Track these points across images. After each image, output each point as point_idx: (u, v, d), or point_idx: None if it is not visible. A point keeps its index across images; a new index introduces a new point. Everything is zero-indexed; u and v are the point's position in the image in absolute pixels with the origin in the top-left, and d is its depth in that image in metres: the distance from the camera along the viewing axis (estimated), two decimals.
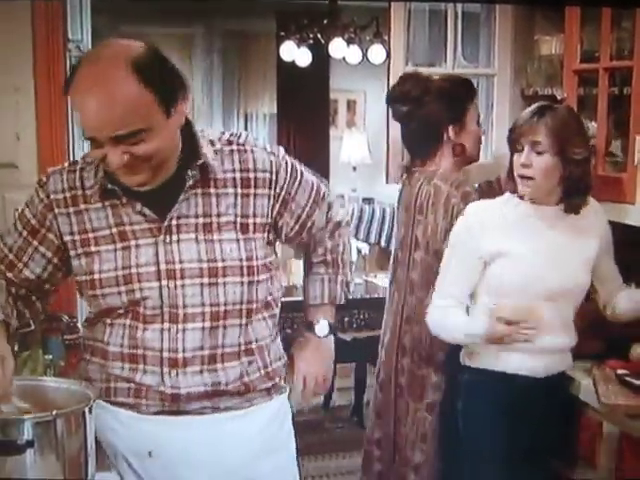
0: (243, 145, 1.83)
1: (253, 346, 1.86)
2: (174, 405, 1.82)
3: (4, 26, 2.95)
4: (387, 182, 3.33)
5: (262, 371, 1.89)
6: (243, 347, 1.84)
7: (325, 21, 6.73)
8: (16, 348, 2.49)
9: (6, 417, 1.55)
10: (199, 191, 1.77)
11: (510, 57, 3.21)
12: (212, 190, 1.78)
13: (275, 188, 1.84)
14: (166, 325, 1.78)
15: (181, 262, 1.76)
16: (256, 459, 1.88)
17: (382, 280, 4.96)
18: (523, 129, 2.33)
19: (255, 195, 1.81)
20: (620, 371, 2.47)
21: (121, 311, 1.81)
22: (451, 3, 3.19)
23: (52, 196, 1.80)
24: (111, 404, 1.83)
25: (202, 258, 1.77)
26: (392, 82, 3.09)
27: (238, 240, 1.79)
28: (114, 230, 1.77)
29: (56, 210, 1.80)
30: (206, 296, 1.77)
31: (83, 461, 1.58)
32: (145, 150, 1.63)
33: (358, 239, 6.75)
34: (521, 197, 2.38)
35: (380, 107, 4.38)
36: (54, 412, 1.53)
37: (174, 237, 1.76)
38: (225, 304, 1.79)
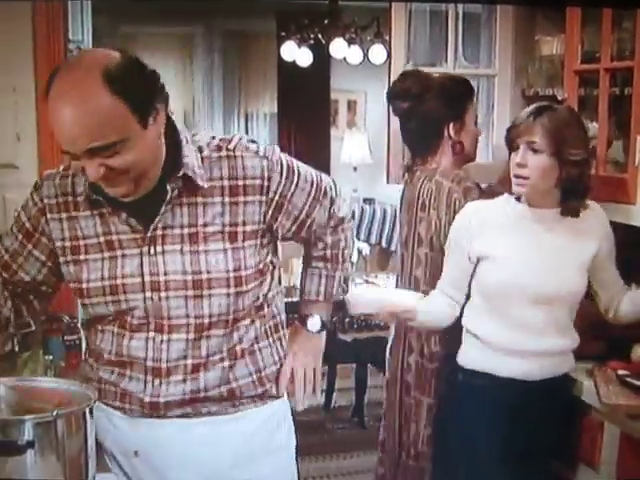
0: (233, 151, 1.77)
1: (237, 349, 1.83)
2: (154, 412, 1.82)
3: (5, 26, 2.95)
4: (388, 182, 3.33)
5: (254, 376, 1.87)
6: (226, 352, 1.82)
7: (326, 21, 6.74)
8: (16, 349, 2.51)
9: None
10: (184, 200, 1.74)
11: (511, 57, 3.21)
12: (199, 199, 1.74)
13: (268, 194, 1.79)
14: (151, 334, 1.78)
15: (166, 274, 1.74)
16: (242, 464, 1.86)
17: (382, 280, 4.97)
18: (520, 129, 2.31)
19: (245, 203, 1.76)
20: (621, 372, 2.47)
21: (110, 318, 1.81)
22: (452, 3, 3.19)
23: (45, 200, 1.80)
24: (103, 404, 1.84)
25: (187, 270, 1.74)
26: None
27: (225, 250, 1.75)
28: (102, 239, 1.76)
29: (48, 215, 1.80)
30: (190, 308, 1.75)
31: (83, 462, 1.57)
32: (122, 162, 1.60)
33: (359, 239, 6.76)
34: (518, 199, 2.38)
35: (381, 107, 4.38)
36: (54, 413, 1.52)
37: (158, 248, 1.74)
38: (210, 316, 1.77)
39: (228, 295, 1.76)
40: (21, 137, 2.90)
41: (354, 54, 6.87)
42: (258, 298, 1.84)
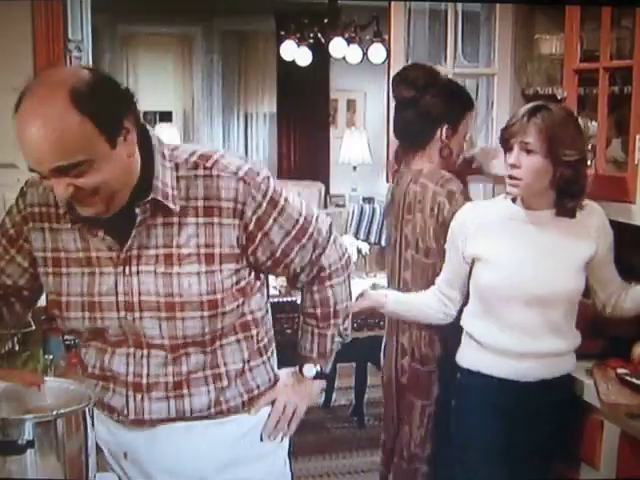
0: (210, 169, 1.70)
1: (222, 370, 1.81)
2: (139, 424, 1.82)
3: (4, 26, 2.95)
4: (387, 181, 3.33)
5: (245, 396, 1.85)
6: (210, 373, 1.80)
7: (325, 20, 6.73)
8: (16, 348, 2.51)
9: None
10: (159, 221, 1.69)
11: (510, 56, 3.21)
12: (174, 219, 1.69)
13: (242, 218, 1.71)
14: (131, 350, 1.77)
15: (139, 294, 1.71)
16: (232, 467, 1.85)
17: (382, 280, 4.96)
18: (513, 129, 2.29)
19: (220, 224, 1.70)
20: (621, 370, 2.46)
21: (87, 334, 1.79)
22: (451, 2, 3.18)
23: (29, 209, 1.78)
24: None
25: (159, 292, 1.70)
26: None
27: (199, 273, 1.70)
28: (81, 254, 1.74)
29: (31, 224, 1.78)
30: (164, 329, 1.73)
31: (83, 461, 1.58)
32: (90, 182, 1.56)
33: (358, 239, 6.75)
34: (514, 200, 2.37)
35: (380, 107, 4.38)
36: (54, 412, 1.53)
37: (133, 268, 1.71)
38: (184, 337, 1.74)
39: (202, 317, 1.72)
40: None
41: (353, 53, 6.86)
42: (243, 315, 1.80)
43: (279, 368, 1.97)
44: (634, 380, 2.39)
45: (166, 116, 8.78)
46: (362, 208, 7.73)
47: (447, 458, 2.62)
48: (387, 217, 2.84)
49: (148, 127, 1.71)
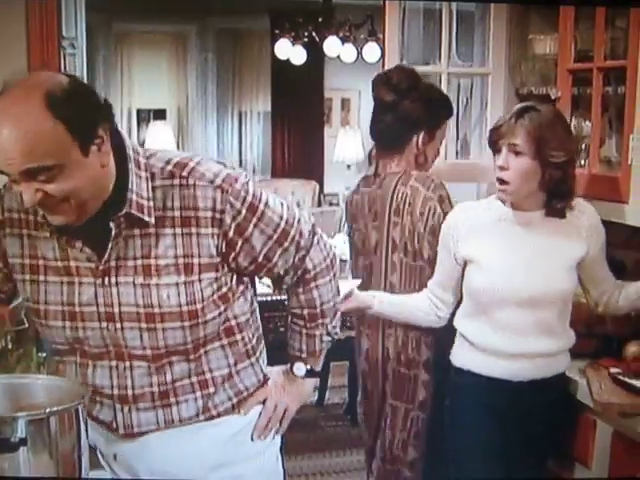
0: (186, 178, 1.67)
1: (207, 377, 1.80)
2: (129, 437, 1.81)
3: None
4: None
5: (234, 399, 1.85)
6: (196, 380, 1.79)
7: (320, 19, 6.73)
8: (9, 346, 2.50)
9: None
10: (137, 232, 1.67)
11: (504, 56, 3.21)
12: (151, 230, 1.67)
13: (221, 227, 1.69)
14: (113, 363, 1.76)
15: (120, 305, 1.70)
16: (222, 467, 1.85)
17: None
18: (501, 131, 2.29)
19: (198, 235, 1.68)
20: (613, 370, 2.47)
21: (68, 347, 1.78)
22: (445, 2, 3.19)
23: (7, 214, 1.75)
24: None
25: (139, 303, 1.69)
26: None
27: (177, 284, 1.69)
28: (60, 264, 1.72)
29: (8, 230, 1.75)
30: (145, 340, 1.72)
31: (77, 458, 1.58)
32: (59, 189, 1.54)
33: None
34: (503, 200, 2.37)
35: None
36: (47, 410, 1.52)
37: (112, 279, 1.69)
38: (166, 347, 1.73)
39: (183, 328, 1.71)
40: None
41: (348, 52, 6.86)
42: (227, 321, 1.79)
43: (273, 366, 1.97)
44: (627, 379, 2.40)
45: (160, 114, 8.77)
46: None
47: (433, 462, 2.63)
48: (357, 220, 2.74)
49: (124, 136, 1.69)
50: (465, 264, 2.41)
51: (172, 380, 1.77)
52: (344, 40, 6.81)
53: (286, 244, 1.79)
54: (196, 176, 1.68)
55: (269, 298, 2.85)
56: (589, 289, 2.49)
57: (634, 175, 2.52)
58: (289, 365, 1.97)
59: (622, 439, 2.33)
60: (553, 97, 2.91)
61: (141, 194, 1.66)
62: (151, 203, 1.66)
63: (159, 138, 8.42)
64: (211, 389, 1.81)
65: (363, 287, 2.58)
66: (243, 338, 1.84)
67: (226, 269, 1.74)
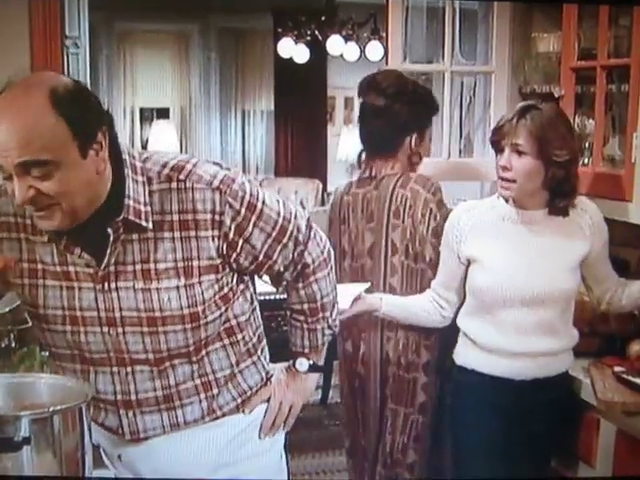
0: (183, 181, 1.66)
1: (211, 378, 1.80)
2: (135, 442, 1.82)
3: (1, 22, 2.95)
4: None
5: (239, 399, 1.85)
6: (199, 382, 1.79)
7: (323, 18, 6.74)
8: (13, 345, 2.50)
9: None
10: (135, 237, 1.66)
11: (508, 54, 3.20)
12: (150, 234, 1.66)
13: (221, 228, 1.68)
14: (115, 369, 1.75)
15: (120, 310, 1.69)
16: (226, 466, 1.85)
17: None
18: (504, 131, 2.29)
19: (198, 238, 1.67)
20: (617, 368, 2.46)
21: (68, 353, 1.77)
22: (449, 0, 3.18)
23: (3, 218, 1.73)
24: None
25: (140, 307, 1.69)
26: None
27: (178, 287, 1.68)
28: (59, 268, 1.70)
29: (5, 234, 1.73)
30: (148, 344, 1.72)
31: (80, 458, 1.57)
32: (52, 188, 1.53)
33: None
34: (506, 200, 2.37)
35: None
36: (51, 409, 1.52)
37: (112, 285, 1.68)
38: (168, 350, 1.73)
39: (184, 330, 1.71)
40: None
41: (351, 51, 6.87)
42: (227, 321, 1.79)
43: (276, 364, 1.97)
44: (630, 378, 2.40)
45: (163, 113, 8.78)
46: None
47: (433, 465, 2.63)
48: (348, 222, 2.70)
49: (120, 142, 1.67)
50: (468, 263, 2.41)
51: (175, 383, 1.77)
52: (347, 39, 6.81)
53: (285, 240, 1.79)
54: (193, 179, 1.66)
55: (271, 297, 2.84)
56: (592, 287, 2.48)
57: (637, 173, 2.52)
58: (292, 361, 1.97)
59: (626, 438, 2.33)
60: (556, 95, 2.90)
61: (138, 199, 1.65)
62: (148, 208, 1.66)
63: (162, 137, 8.44)
64: (215, 390, 1.81)
65: None
66: (244, 337, 1.84)
67: (227, 270, 1.74)
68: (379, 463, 2.70)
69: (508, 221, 2.37)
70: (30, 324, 1.88)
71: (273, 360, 1.98)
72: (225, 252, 1.71)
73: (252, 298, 1.87)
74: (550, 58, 3.09)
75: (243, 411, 1.87)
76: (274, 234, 1.76)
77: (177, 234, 1.67)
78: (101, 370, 1.76)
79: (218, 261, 1.71)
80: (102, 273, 1.68)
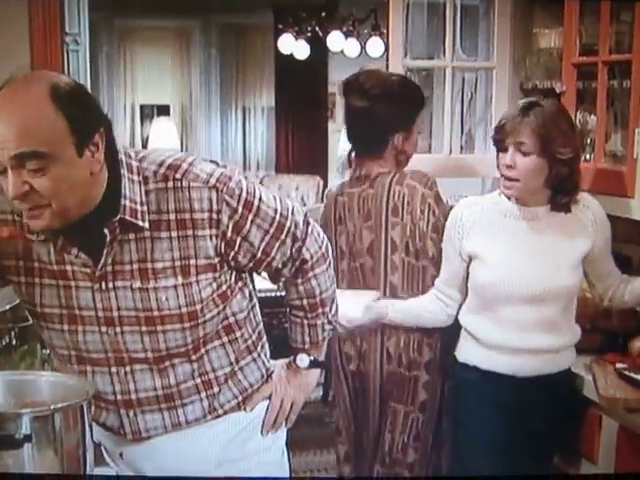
0: (180, 180, 1.65)
1: (211, 377, 1.80)
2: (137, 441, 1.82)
3: (1, 19, 2.94)
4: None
5: (240, 397, 1.85)
6: (199, 381, 1.79)
7: (323, 14, 6.74)
8: (14, 342, 2.50)
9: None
10: (132, 236, 1.66)
11: (509, 50, 3.20)
12: (147, 234, 1.66)
13: (219, 227, 1.67)
14: (114, 369, 1.75)
15: (118, 309, 1.69)
16: (227, 463, 1.85)
17: None
18: (507, 129, 2.28)
19: (195, 237, 1.66)
20: (619, 365, 2.46)
21: (66, 353, 1.77)
22: None
23: (0, 216, 1.72)
24: None
25: (137, 307, 1.68)
26: None
27: (176, 287, 1.68)
28: (56, 267, 1.70)
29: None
30: (146, 343, 1.71)
31: (81, 455, 1.57)
32: (45, 185, 1.52)
33: None
34: (508, 196, 2.37)
35: None
36: (52, 406, 1.52)
37: (109, 284, 1.68)
38: (167, 349, 1.73)
39: (183, 329, 1.71)
40: None
41: (351, 47, 6.87)
42: (225, 319, 1.79)
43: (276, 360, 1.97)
44: (632, 374, 2.39)
45: (164, 110, 8.78)
46: None
47: (434, 462, 2.62)
48: (344, 222, 2.67)
49: (116, 142, 1.67)
50: (470, 260, 2.41)
51: (176, 382, 1.77)
52: (347, 35, 6.81)
53: (282, 237, 1.78)
54: (190, 178, 1.66)
55: (271, 294, 2.83)
56: (595, 284, 2.48)
57: None
58: (292, 357, 1.97)
59: (628, 434, 2.33)
60: (558, 91, 2.90)
61: (134, 199, 1.64)
62: (145, 207, 1.65)
63: (163, 134, 8.44)
64: (215, 389, 1.81)
65: (352, 288, 2.56)
66: (243, 335, 1.83)
67: (225, 268, 1.73)
68: (377, 462, 2.69)
69: (510, 217, 2.37)
70: (31, 322, 1.88)
71: (275, 357, 1.97)
72: (223, 250, 1.70)
73: (251, 295, 1.87)
74: (551, 54, 3.08)
75: (244, 409, 1.87)
76: (272, 231, 1.76)
77: (174, 233, 1.66)
78: (100, 370, 1.76)
79: (216, 260, 1.70)
80: (99, 273, 1.67)
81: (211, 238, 1.68)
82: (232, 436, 1.86)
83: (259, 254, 1.76)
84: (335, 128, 8.48)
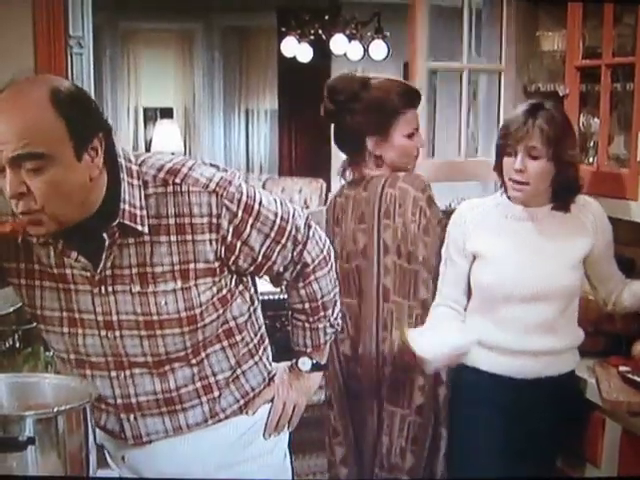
0: (179, 185, 1.64)
1: (211, 381, 1.79)
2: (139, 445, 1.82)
3: (4, 22, 2.95)
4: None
5: (242, 401, 1.85)
6: (200, 385, 1.79)
7: (326, 17, 6.74)
8: (17, 345, 2.51)
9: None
10: (131, 240, 1.65)
11: (513, 53, 3.20)
12: (146, 238, 1.65)
13: (219, 231, 1.66)
14: (113, 373, 1.75)
15: (118, 313, 1.69)
16: (229, 467, 1.84)
17: None
18: (518, 135, 2.28)
19: (194, 241, 1.66)
20: (622, 368, 2.46)
21: (65, 356, 1.77)
22: None
23: (2, 218, 1.71)
24: None
25: (137, 311, 1.68)
26: (415, 80, 3.06)
27: (175, 291, 1.67)
28: (55, 270, 1.70)
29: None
30: (146, 347, 1.71)
31: (84, 457, 1.57)
32: (42, 188, 1.52)
33: None
34: (519, 201, 2.37)
35: None
36: (55, 409, 1.53)
37: (109, 288, 1.68)
38: (167, 353, 1.72)
39: (182, 334, 1.71)
40: None
41: (354, 50, 6.86)
42: (225, 323, 1.78)
43: (279, 363, 1.96)
44: (636, 378, 2.39)
45: (167, 112, 8.79)
46: None
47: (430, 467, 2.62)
48: (341, 224, 2.67)
49: (116, 146, 1.66)
50: (474, 259, 2.40)
51: (176, 387, 1.77)
52: (351, 38, 6.81)
53: (283, 241, 1.77)
54: (189, 182, 1.65)
55: (274, 297, 2.83)
56: (597, 287, 2.48)
57: None
58: (294, 361, 1.96)
59: (631, 438, 2.32)
60: (561, 94, 2.90)
61: (134, 203, 1.64)
62: (144, 212, 1.65)
63: (166, 137, 8.44)
64: (216, 393, 1.81)
65: (345, 292, 2.53)
66: (243, 338, 1.83)
67: (225, 272, 1.73)
68: (376, 466, 2.68)
69: (511, 218, 2.38)
70: (34, 324, 1.88)
71: (277, 359, 1.97)
72: (223, 255, 1.70)
73: (252, 299, 1.86)
74: (555, 57, 3.08)
75: (246, 412, 1.86)
76: (272, 235, 1.75)
77: (173, 238, 1.66)
78: (100, 374, 1.76)
79: (215, 264, 1.70)
80: (99, 277, 1.67)
81: (211, 242, 1.67)
82: (234, 440, 1.86)
83: (260, 258, 1.75)
84: None
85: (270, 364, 1.92)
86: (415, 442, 2.60)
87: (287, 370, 1.96)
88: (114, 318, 1.70)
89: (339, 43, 6.78)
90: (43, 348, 2.50)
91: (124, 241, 1.66)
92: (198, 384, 1.78)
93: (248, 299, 1.83)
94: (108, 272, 1.67)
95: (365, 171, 2.62)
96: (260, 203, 1.73)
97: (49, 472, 1.52)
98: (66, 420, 1.52)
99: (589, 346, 2.51)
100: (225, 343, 1.80)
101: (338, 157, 2.78)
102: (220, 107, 8.87)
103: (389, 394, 2.60)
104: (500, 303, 2.34)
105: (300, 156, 8.70)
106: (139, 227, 1.64)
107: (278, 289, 1.96)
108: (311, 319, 1.92)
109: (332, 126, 2.71)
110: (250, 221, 1.70)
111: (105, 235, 1.63)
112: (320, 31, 6.82)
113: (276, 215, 1.75)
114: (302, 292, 1.88)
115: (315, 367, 1.96)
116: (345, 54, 6.91)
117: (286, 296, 1.95)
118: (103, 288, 1.68)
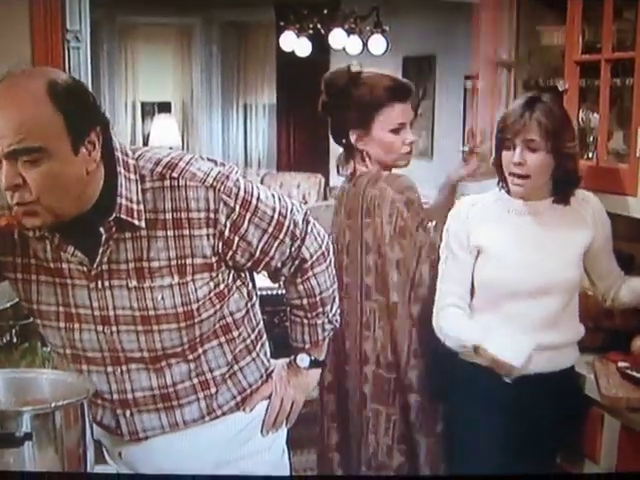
0: (177, 179, 1.64)
1: (208, 377, 1.79)
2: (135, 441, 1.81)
3: (1, 16, 2.94)
4: None
5: (239, 397, 1.84)
6: (197, 381, 1.78)
7: (325, 11, 6.72)
8: (14, 340, 2.50)
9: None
10: (127, 235, 1.65)
11: (513, 48, 3.20)
12: (142, 232, 1.65)
13: (216, 226, 1.66)
14: (110, 368, 1.74)
15: (114, 308, 1.68)
16: (226, 464, 1.84)
17: None
18: (516, 128, 2.28)
19: (191, 236, 1.65)
20: (621, 364, 2.46)
21: (62, 351, 1.77)
22: None
23: None
24: None
25: (133, 306, 1.68)
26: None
27: (172, 286, 1.67)
28: (52, 265, 1.69)
29: None
30: (142, 342, 1.71)
31: (82, 453, 1.57)
32: (38, 180, 1.51)
33: None
34: (519, 195, 2.37)
35: None
36: (52, 404, 1.52)
37: (106, 283, 1.67)
38: (163, 349, 1.72)
39: (179, 328, 1.70)
40: None
41: (353, 44, 6.85)
42: (222, 318, 1.77)
43: (277, 359, 1.96)
44: (635, 374, 2.39)
45: (165, 107, 8.77)
46: None
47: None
48: (338, 221, 2.69)
49: (114, 140, 1.66)
50: (478, 254, 2.40)
51: (172, 382, 1.76)
52: (349, 32, 6.80)
53: (281, 236, 1.77)
54: (187, 177, 1.65)
55: (272, 292, 2.82)
56: (596, 282, 2.48)
57: None
58: (292, 357, 1.96)
59: (630, 434, 2.33)
60: (561, 89, 2.89)
61: (131, 198, 1.63)
62: (141, 206, 1.64)
63: (164, 131, 8.43)
64: (213, 389, 1.80)
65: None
66: (240, 334, 1.82)
67: (222, 267, 1.72)
68: (363, 464, 2.66)
69: (512, 213, 2.38)
70: (32, 320, 1.88)
71: (276, 355, 1.97)
72: (221, 250, 1.69)
73: (250, 294, 1.85)
74: (554, 51, 3.08)
75: (244, 409, 1.86)
76: (270, 230, 1.74)
77: (170, 232, 1.65)
78: (96, 369, 1.75)
79: (213, 259, 1.69)
80: (95, 271, 1.67)
81: (208, 237, 1.66)
82: (231, 436, 1.85)
83: (257, 253, 1.75)
84: None
85: (268, 360, 1.91)
86: (402, 441, 2.59)
87: (285, 367, 1.95)
88: (110, 313, 1.69)
89: (338, 37, 6.76)
90: (40, 343, 2.50)
91: (121, 236, 1.65)
92: (195, 380, 1.78)
93: (246, 295, 1.83)
94: (105, 267, 1.66)
95: (356, 166, 2.63)
96: (258, 198, 1.72)
97: (46, 468, 1.51)
98: (63, 416, 1.52)
99: (588, 342, 2.51)
100: (222, 339, 1.79)
101: (336, 152, 2.78)
102: (218, 102, 8.86)
103: (376, 393, 2.59)
104: (505, 299, 2.34)
105: (298, 151, 8.69)
106: (136, 222, 1.64)
107: (276, 284, 1.96)
108: (309, 315, 1.91)
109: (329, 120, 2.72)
110: (248, 216, 1.70)
111: (102, 229, 1.62)
112: (319, 25, 6.81)
113: (274, 210, 1.75)
114: (300, 288, 1.88)
115: (313, 363, 1.96)
116: (344, 48, 6.89)
117: (284, 292, 1.95)
118: (100, 283, 1.67)
